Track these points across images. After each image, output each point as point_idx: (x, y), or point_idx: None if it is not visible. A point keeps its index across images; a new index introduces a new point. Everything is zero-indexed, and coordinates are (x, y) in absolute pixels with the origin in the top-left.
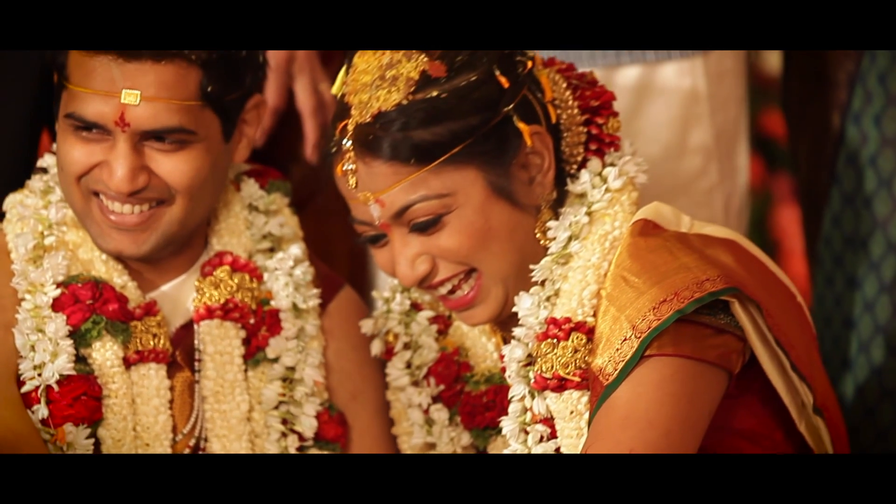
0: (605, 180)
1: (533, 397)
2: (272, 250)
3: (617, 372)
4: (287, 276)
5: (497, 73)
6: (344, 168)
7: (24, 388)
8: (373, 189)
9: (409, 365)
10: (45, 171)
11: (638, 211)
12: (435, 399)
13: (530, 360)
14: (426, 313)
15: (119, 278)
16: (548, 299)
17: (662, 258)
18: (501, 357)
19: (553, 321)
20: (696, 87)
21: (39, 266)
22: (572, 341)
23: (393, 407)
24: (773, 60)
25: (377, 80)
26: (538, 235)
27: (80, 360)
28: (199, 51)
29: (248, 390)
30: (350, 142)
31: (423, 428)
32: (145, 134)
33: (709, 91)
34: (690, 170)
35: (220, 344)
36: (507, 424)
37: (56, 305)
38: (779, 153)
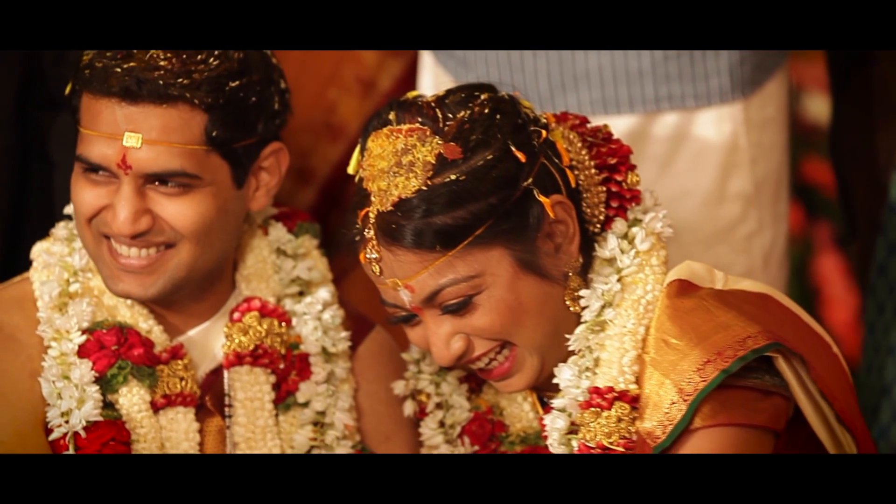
0: (632, 243)
1: None
2: (301, 294)
3: (666, 435)
4: (316, 320)
5: (513, 148)
6: (368, 256)
7: (53, 436)
8: (400, 276)
9: (442, 424)
10: (70, 217)
11: (669, 271)
12: None
13: (573, 429)
14: (456, 373)
15: (144, 323)
16: (588, 369)
17: (701, 318)
18: (541, 422)
19: (596, 390)
20: (737, 134)
21: (65, 313)
22: (616, 410)
23: None
24: (815, 108)
25: (394, 166)
26: (568, 303)
27: (107, 405)
28: (205, 95)
29: (279, 435)
30: (372, 231)
31: None
32: (148, 177)
33: (749, 139)
34: (729, 217)
35: (250, 390)
36: None
37: (82, 352)
38: (820, 201)
